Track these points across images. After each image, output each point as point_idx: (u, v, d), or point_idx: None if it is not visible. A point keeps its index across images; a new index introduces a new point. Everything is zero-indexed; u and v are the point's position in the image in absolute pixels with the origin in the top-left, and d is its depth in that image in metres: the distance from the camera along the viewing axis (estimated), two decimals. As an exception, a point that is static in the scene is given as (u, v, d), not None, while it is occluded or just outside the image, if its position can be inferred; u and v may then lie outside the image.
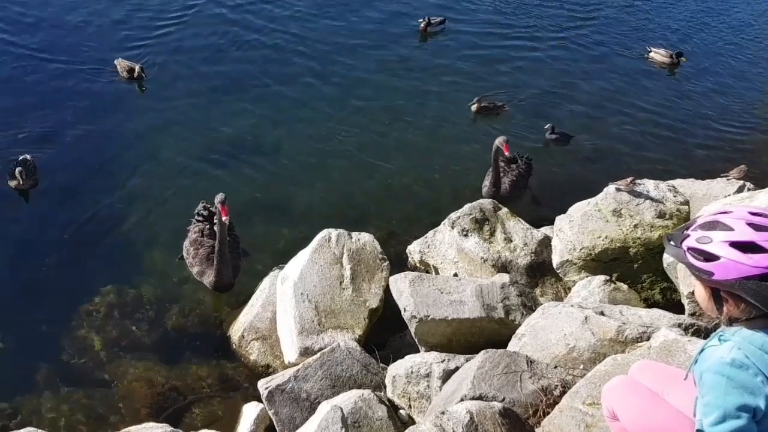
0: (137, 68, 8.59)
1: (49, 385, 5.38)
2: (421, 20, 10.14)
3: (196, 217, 6.28)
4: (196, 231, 6.11)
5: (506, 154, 6.88)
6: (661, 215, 5.80)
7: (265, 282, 5.97)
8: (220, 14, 10.18)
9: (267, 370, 5.49)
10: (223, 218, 5.54)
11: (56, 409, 5.22)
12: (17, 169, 6.85)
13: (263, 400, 4.74)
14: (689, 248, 2.42)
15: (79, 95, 8.40)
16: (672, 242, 2.48)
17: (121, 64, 8.69)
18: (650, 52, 10.29)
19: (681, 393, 2.79)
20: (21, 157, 7.06)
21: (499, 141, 6.83)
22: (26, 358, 5.55)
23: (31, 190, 7.03)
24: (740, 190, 6.41)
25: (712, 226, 2.41)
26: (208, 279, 5.90)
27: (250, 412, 4.87)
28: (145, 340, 5.77)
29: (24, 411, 5.16)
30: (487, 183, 7.16)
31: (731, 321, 2.40)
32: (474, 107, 8.62)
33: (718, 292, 2.40)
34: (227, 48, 9.57)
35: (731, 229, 2.36)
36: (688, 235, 2.44)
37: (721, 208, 2.49)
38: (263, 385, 4.75)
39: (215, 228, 6.01)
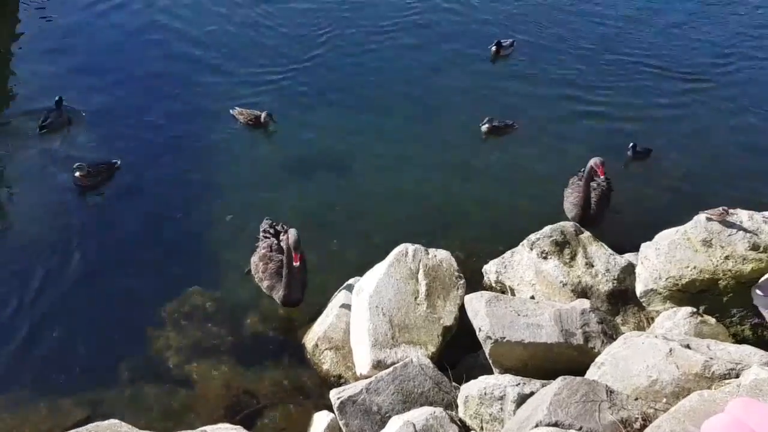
0: (263, 116, 8.36)
1: (131, 380, 5.62)
2: (491, 46, 10.05)
3: (262, 234, 6.34)
4: (265, 246, 6.18)
5: (601, 177, 6.72)
6: (754, 247, 5.51)
7: (341, 293, 6.04)
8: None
9: (339, 381, 5.54)
10: (294, 263, 5.64)
11: (137, 403, 5.45)
12: (77, 164, 7.31)
13: (334, 410, 4.78)
14: None
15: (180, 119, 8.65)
16: (761, 293, 2.39)
17: (244, 113, 8.46)
18: None
19: None
20: (114, 160, 7.57)
21: (594, 162, 6.63)
22: (111, 354, 5.81)
23: (124, 196, 7.41)
24: (843, 225, 6.02)
25: None
26: (278, 294, 5.96)
27: (321, 420, 4.92)
28: (222, 344, 5.93)
29: (108, 404, 5.40)
30: (569, 205, 6.97)
31: None
32: (485, 128, 8.48)
33: None
34: (305, 60, 9.75)
35: None
36: None
37: None
38: (335, 395, 4.79)
39: (283, 244, 6.09)
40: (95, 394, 5.48)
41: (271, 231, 6.35)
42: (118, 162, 7.58)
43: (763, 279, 2.40)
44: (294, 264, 5.66)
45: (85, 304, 6.23)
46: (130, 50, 9.80)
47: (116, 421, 4.50)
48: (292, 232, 5.65)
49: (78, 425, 4.59)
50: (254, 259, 6.24)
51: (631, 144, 8.16)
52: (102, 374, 5.66)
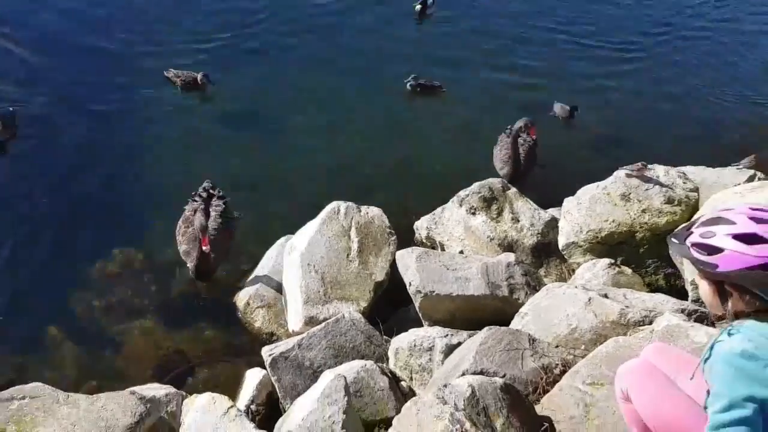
0: (200, 77, 8.08)
1: (55, 343, 5.47)
2: (416, 4, 9.99)
3: (195, 197, 6.12)
4: (190, 210, 5.99)
5: (533, 137, 6.82)
6: (669, 201, 5.80)
7: (272, 251, 6.03)
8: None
9: (271, 338, 5.56)
10: (204, 247, 5.44)
11: (62, 366, 5.32)
12: None
13: (266, 367, 4.79)
14: (693, 244, 2.50)
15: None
16: (676, 240, 2.57)
17: (180, 75, 8.14)
18: None
19: (694, 382, 2.82)
20: (10, 108, 7.27)
21: (522, 122, 6.75)
22: (35, 317, 5.64)
23: (47, 154, 7.15)
24: (751, 179, 6.37)
25: (714, 221, 2.50)
26: (191, 263, 5.72)
27: (253, 377, 4.93)
28: (151, 304, 5.84)
29: (31, 367, 5.25)
30: (500, 163, 7.09)
31: (737, 315, 2.44)
32: (410, 85, 8.50)
33: (722, 286, 2.46)
34: (240, 22, 9.52)
35: (733, 223, 2.44)
36: (692, 233, 2.53)
37: (722, 207, 2.58)
38: (267, 352, 4.80)
39: (210, 209, 5.93)
40: (18, 358, 5.32)
41: (204, 195, 6.14)
42: (15, 110, 7.24)
43: (679, 228, 2.56)
44: (203, 248, 5.43)
45: (4, 266, 6.00)
46: (47, 15, 9.33)
47: (39, 384, 4.36)
48: (197, 218, 5.47)
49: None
50: (180, 221, 6.08)
51: (569, 106, 8.34)
52: (25, 338, 5.49)
